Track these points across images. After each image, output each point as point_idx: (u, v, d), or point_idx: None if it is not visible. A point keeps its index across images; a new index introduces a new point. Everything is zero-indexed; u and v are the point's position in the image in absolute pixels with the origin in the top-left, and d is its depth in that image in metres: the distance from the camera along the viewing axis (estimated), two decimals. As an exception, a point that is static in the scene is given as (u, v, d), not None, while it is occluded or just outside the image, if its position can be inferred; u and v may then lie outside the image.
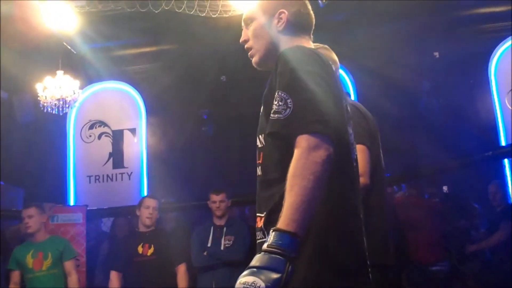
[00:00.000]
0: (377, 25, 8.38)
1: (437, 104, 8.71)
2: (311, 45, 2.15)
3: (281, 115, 1.78)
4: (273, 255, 1.64)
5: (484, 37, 8.73)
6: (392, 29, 8.52)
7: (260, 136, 2.02)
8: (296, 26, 2.13)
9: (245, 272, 1.64)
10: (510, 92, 8.70)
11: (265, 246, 1.67)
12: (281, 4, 2.12)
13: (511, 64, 8.35)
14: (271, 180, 1.91)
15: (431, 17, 8.36)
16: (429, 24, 8.48)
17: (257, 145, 2.03)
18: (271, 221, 1.85)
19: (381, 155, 2.10)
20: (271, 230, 1.69)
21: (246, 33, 2.18)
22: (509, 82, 8.60)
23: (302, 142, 1.73)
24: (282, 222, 1.68)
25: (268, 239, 1.68)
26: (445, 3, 8.14)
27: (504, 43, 8.87)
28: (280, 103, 1.80)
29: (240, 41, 2.21)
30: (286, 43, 2.07)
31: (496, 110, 8.68)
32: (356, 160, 2.02)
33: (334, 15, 8.23)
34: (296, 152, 1.73)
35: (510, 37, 8.75)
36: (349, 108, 2.07)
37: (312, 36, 2.21)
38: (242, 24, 2.22)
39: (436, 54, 8.88)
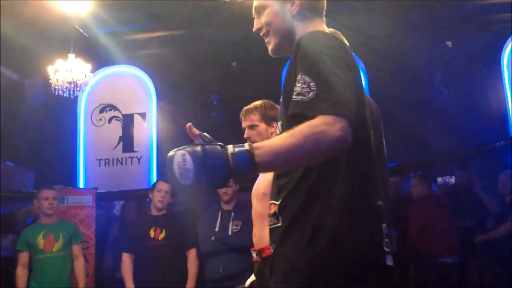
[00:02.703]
0: (390, 13, 8.32)
1: (448, 94, 8.68)
2: (326, 28, 2.11)
3: (304, 97, 1.73)
4: (221, 150, 1.69)
5: (497, 27, 8.67)
6: (405, 18, 8.47)
7: (278, 123, 2.01)
8: (310, 9, 2.09)
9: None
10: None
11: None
12: None
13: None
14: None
15: (444, 6, 8.30)
16: (442, 13, 8.43)
17: (276, 133, 2.02)
18: (284, 207, 1.87)
19: (384, 144, 2.08)
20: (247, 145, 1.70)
21: (259, 22, 2.15)
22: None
23: (326, 118, 1.67)
24: (259, 145, 1.69)
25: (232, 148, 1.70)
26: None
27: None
28: (304, 85, 1.75)
29: (254, 30, 2.18)
30: (301, 28, 2.04)
31: (507, 101, 8.64)
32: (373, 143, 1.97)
33: (346, 2, 8.20)
34: (316, 119, 1.68)
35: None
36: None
37: (325, 19, 2.17)
38: (254, 12, 2.18)
39: (449, 43, 8.83)
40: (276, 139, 1.74)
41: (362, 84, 1.97)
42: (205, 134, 1.83)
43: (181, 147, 1.73)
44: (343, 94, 1.71)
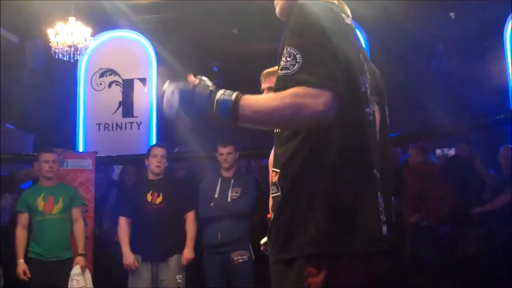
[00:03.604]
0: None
1: (449, 65, 8.65)
2: None
3: (288, 71, 1.73)
4: (209, 93, 1.78)
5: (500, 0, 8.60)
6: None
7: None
8: None
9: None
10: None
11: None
12: None
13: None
14: (284, 136, 1.89)
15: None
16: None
17: None
18: (283, 176, 1.87)
19: (387, 112, 2.07)
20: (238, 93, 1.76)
21: None
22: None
23: (311, 90, 1.68)
24: (246, 98, 1.74)
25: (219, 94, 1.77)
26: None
27: (521, 7, 8.75)
28: (288, 58, 1.75)
29: None
30: None
31: (509, 74, 8.62)
32: (372, 115, 1.96)
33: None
34: (302, 89, 1.69)
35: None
36: (365, 64, 1.99)
37: None
38: None
39: (452, 14, 8.77)
40: (263, 98, 1.77)
41: (356, 51, 1.93)
42: (204, 78, 1.88)
43: (177, 82, 1.85)
44: (329, 67, 1.71)
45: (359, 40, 2.04)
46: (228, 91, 1.78)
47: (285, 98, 1.68)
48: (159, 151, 5.66)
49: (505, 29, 8.82)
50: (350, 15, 2.02)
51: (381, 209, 1.84)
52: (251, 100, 1.74)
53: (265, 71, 3.54)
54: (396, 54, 8.05)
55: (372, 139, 1.92)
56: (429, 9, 8.53)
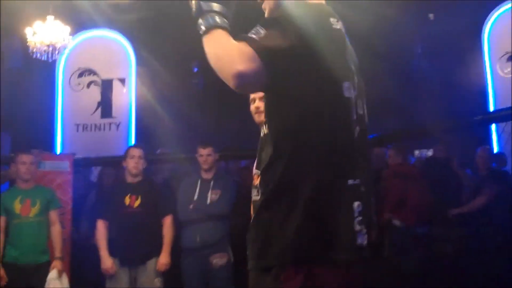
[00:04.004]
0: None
1: (428, 66, 8.70)
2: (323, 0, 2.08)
3: (253, 36, 1.80)
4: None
5: (479, 1, 8.67)
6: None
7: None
8: None
9: None
10: (502, 58, 8.70)
11: None
12: None
13: (506, 29, 8.33)
14: (269, 140, 1.90)
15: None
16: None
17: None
18: (264, 180, 1.88)
19: (366, 114, 2.07)
20: None
21: None
22: (502, 47, 8.60)
23: (245, 47, 1.76)
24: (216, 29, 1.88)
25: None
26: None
27: (498, 9, 8.84)
28: (253, 31, 1.82)
29: None
30: None
31: (486, 75, 8.69)
32: (357, 121, 1.94)
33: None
34: (239, 44, 1.78)
35: (504, 3, 8.71)
36: (353, 66, 2.00)
37: None
38: None
39: (431, 16, 8.82)
40: (222, 41, 1.86)
41: (344, 60, 1.93)
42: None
43: None
44: (278, 45, 1.76)
45: (348, 45, 2.02)
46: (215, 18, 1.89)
47: (223, 46, 1.82)
48: (136, 152, 5.60)
49: (483, 31, 8.88)
50: (340, 20, 2.01)
51: (356, 219, 1.83)
52: (215, 34, 1.87)
53: None
54: (375, 55, 8.07)
55: (352, 146, 1.91)
56: (408, 10, 8.56)
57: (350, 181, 1.86)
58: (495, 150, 7.96)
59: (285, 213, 1.79)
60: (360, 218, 1.84)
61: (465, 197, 6.42)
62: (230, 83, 1.77)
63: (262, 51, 1.74)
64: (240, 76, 1.73)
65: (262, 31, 1.79)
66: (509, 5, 8.74)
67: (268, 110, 1.95)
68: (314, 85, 1.81)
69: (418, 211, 6.12)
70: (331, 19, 1.95)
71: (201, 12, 1.90)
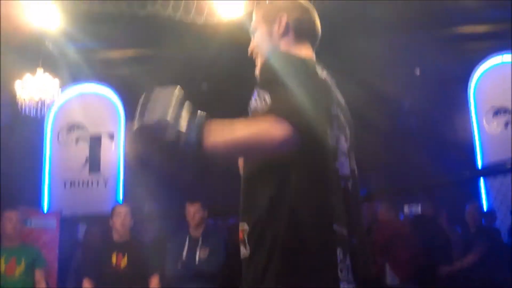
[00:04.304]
0: (357, 39, 8.40)
1: (415, 122, 8.76)
2: (311, 52, 2.15)
3: (255, 109, 1.82)
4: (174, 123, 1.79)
5: (465, 56, 8.81)
6: (373, 44, 8.53)
7: None
8: (296, 32, 2.12)
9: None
10: (488, 112, 8.78)
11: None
12: (282, 9, 2.13)
13: (492, 84, 8.45)
14: (252, 190, 1.90)
15: (413, 33, 8.41)
16: (411, 40, 8.53)
17: None
18: (248, 235, 1.87)
19: (354, 160, 2.09)
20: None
21: (253, 43, 2.19)
22: (488, 102, 8.70)
23: (273, 119, 1.74)
24: (213, 122, 1.81)
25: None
26: (428, 21, 8.19)
27: (484, 63, 8.97)
28: (258, 99, 1.82)
29: (248, 53, 2.21)
30: (284, 49, 2.09)
31: (474, 131, 8.76)
32: (342, 170, 1.94)
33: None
34: (265, 119, 1.75)
35: (490, 57, 8.86)
36: (342, 117, 2.03)
37: (316, 45, 2.21)
38: (251, 35, 2.22)
39: (417, 71, 8.93)
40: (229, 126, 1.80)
41: (327, 103, 1.96)
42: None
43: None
44: (294, 105, 1.76)
45: (334, 94, 2.06)
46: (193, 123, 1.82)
47: (249, 122, 1.79)
48: (123, 210, 5.54)
49: (469, 86, 8.99)
50: (324, 70, 2.06)
51: (340, 266, 1.81)
52: (217, 131, 1.80)
53: None
54: (362, 111, 8.11)
55: (339, 194, 1.90)
56: (395, 66, 8.67)
57: (335, 226, 1.84)
58: (484, 206, 7.96)
59: (265, 263, 1.79)
60: (342, 265, 1.82)
61: (455, 255, 6.38)
62: (276, 154, 1.77)
63: (287, 114, 1.74)
64: (286, 142, 1.73)
65: (267, 97, 1.80)
66: (494, 60, 8.89)
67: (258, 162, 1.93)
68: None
69: (407, 268, 6.07)
70: (317, 69, 2.00)
71: (180, 140, 1.80)
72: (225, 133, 1.79)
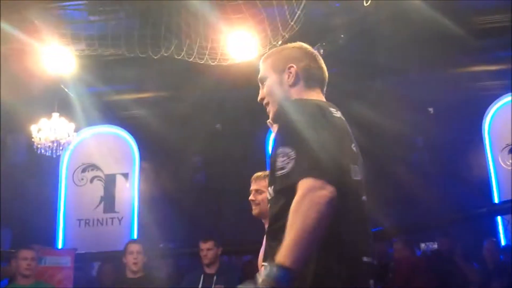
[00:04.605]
0: (371, 79, 8.46)
1: (430, 160, 8.73)
2: (322, 97, 2.21)
3: (284, 170, 1.86)
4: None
5: (479, 94, 8.82)
6: (387, 83, 8.59)
7: (269, 188, 2.06)
8: (306, 79, 2.19)
9: None
10: (504, 150, 8.74)
11: (260, 279, 1.71)
12: (291, 60, 2.20)
13: (506, 122, 8.43)
14: (276, 228, 1.91)
15: (426, 73, 8.44)
16: (424, 80, 8.56)
17: (268, 198, 2.09)
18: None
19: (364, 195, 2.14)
20: (267, 264, 1.75)
21: (263, 92, 2.25)
22: (503, 139, 8.66)
23: (303, 184, 1.78)
24: (280, 255, 1.72)
25: (264, 272, 1.72)
26: (441, 60, 8.23)
27: (499, 101, 8.97)
28: (284, 158, 1.87)
29: (258, 100, 2.27)
30: (296, 97, 2.14)
31: (489, 167, 8.71)
32: (364, 199, 2.03)
33: (328, 67, 8.30)
34: (298, 194, 1.78)
35: (505, 95, 8.85)
36: (356, 150, 2.10)
37: (325, 89, 2.26)
38: (259, 83, 2.28)
39: (431, 110, 8.94)
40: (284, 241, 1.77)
41: (345, 141, 2.03)
42: None
43: None
44: (320, 157, 1.81)
45: (350, 132, 2.13)
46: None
47: (298, 208, 1.76)
48: (135, 247, 5.54)
49: (483, 123, 8.98)
50: (339, 110, 2.10)
51: None
52: (282, 249, 1.74)
53: (255, 175, 3.68)
54: (376, 149, 8.12)
55: (365, 226, 2.00)
56: (408, 105, 8.68)
57: (365, 259, 1.91)
58: (502, 242, 7.86)
59: None
60: None
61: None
62: (333, 204, 1.78)
63: (320, 172, 1.79)
64: (332, 200, 1.77)
65: (293, 153, 1.86)
66: (508, 98, 8.88)
67: (281, 201, 1.95)
68: None
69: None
70: (331, 109, 2.06)
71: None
72: (292, 245, 1.74)
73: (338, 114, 2.08)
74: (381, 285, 6.05)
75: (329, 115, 2.00)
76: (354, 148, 2.07)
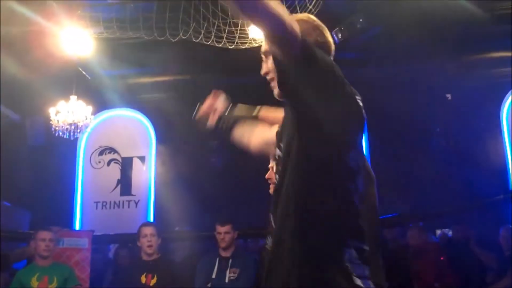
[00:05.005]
0: (390, 65, 8.42)
1: (447, 146, 8.69)
2: None
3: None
4: None
5: (497, 81, 8.74)
6: (405, 70, 8.54)
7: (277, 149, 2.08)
8: None
9: None
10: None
11: None
12: None
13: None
14: (284, 185, 1.93)
15: (444, 59, 8.38)
16: (442, 66, 8.50)
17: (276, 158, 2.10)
18: (283, 224, 1.91)
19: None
20: None
21: (267, 66, 2.17)
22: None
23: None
24: None
25: None
26: (459, 47, 8.17)
27: (517, 88, 8.89)
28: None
29: (261, 73, 2.20)
30: None
31: (507, 154, 8.65)
32: (359, 166, 1.98)
33: (347, 53, 8.29)
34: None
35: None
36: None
37: None
38: (262, 56, 2.20)
39: (449, 96, 8.88)
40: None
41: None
42: None
43: None
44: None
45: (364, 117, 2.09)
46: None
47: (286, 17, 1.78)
48: (148, 230, 5.59)
49: (501, 109, 8.91)
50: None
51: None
52: None
53: None
54: (394, 136, 8.11)
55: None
56: (427, 91, 8.64)
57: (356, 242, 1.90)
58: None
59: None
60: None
61: (489, 279, 6.27)
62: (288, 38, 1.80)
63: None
64: (297, 40, 1.79)
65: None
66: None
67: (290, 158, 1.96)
68: None
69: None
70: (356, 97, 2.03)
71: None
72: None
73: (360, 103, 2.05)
74: (397, 271, 6.07)
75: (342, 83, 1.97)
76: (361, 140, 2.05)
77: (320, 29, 2.15)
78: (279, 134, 2.14)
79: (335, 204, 1.86)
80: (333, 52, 2.17)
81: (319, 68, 1.87)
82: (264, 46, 2.19)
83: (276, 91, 2.15)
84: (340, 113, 1.90)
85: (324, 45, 2.11)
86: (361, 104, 2.02)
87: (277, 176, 2.05)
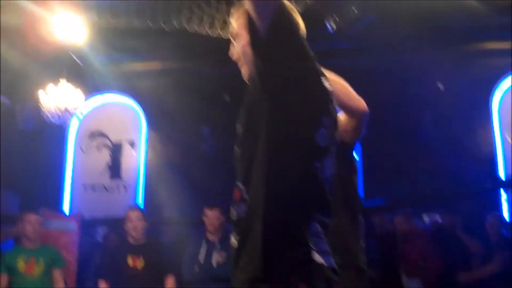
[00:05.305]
0: (381, 55, 8.42)
1: (437, 134, 8.72)
2: None
3: None
4: None
5: (488, 71, 8.75)
6: (397, 59, 8.55)
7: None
8: None
9: None
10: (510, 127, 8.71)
11: None
12: None
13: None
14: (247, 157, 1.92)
15: (436, 49, 8.39)
16: (434, 56, 8.51)
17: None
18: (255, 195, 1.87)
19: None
20: None
21: (237, 50, 2.15)
22: (511, 117, 8.62)
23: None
24: None
25: None
26: (451, 37, 8.19)
27: (508, 78, 8.91)
28: None
29: (230, 54, 2.18)
30: None
31: (496, 143, 8.68)
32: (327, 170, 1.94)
33: (340, 42, 8.30)
34: None
35: (513, 72, 8.80)
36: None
37: None
38: (231, 38, 2.18)
39: (441, 85, 8.90)
40: None
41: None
42: None
43: None
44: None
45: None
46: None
47: None
48: (134, 214, 5.63)
49: (492, 99, 8.93)
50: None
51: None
52: None
53: None
54: (384, 123, 8.13)
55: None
56: (418, 81, 8.65)
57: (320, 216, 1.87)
58: (506, 217, 7.86)
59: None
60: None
61: (474, 264, 6.30)
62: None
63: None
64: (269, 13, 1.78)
65: None
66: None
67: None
68: None
69: (427, 275, 6.04)
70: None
71: None
72: None
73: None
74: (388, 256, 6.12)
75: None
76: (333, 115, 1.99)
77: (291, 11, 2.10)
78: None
79: (299, 176, 1.84)
80: (304, 32, 2.10)
81: (292, 37, 1.86)
82: (233, 28, 2.16)
83: (242, 73, 2.14)
84: (309, 88, 1.89)
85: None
86: (327, 84, 2.00)
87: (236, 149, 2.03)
